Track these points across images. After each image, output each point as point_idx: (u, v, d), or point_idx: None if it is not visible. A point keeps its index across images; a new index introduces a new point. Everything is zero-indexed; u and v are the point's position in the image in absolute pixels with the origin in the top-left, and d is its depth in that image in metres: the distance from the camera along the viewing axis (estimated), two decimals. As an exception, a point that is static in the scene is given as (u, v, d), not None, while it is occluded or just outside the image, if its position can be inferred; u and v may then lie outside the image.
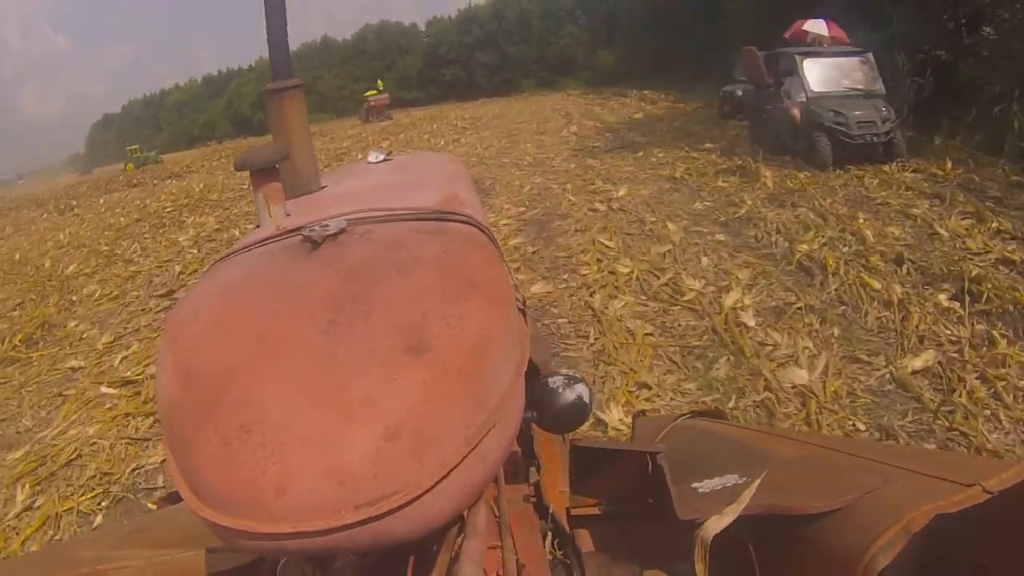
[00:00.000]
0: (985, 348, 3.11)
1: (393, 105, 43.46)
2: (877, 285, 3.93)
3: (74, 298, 6.40)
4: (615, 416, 2.79)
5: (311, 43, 66.89)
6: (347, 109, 57.55)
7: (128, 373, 4.22)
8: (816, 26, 8.89)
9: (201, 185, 14.06)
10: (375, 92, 32.80)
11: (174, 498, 1.27)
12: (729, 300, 3.95)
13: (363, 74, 60.37)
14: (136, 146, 37.45)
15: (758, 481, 0.77)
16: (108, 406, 3.82)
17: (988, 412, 2.63)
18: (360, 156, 11.66)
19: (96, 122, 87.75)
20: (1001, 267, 4.06)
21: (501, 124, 19.50)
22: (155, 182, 18.72)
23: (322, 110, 60.24)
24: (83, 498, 2.92)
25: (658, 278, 4.55)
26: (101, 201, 15.65)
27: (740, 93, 12.23)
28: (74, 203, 16.58)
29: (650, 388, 3.09)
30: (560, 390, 0.92)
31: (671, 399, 2.98)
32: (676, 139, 11.26)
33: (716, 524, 0.73)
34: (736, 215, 5.93)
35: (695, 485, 0.90)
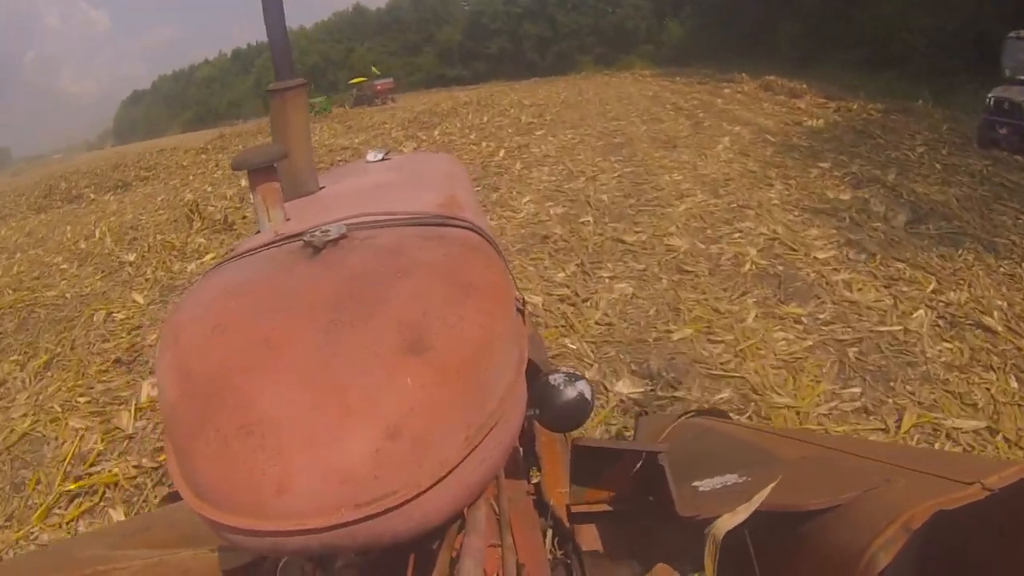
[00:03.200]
0: None
1: (433, 83, 41.04)
2: None
3: None
4: None
5: (343, 12, 61.18)
6: (381, 87, 52.10)
7: None
8: None
9: (95, 234, 8.37)
10: (362, 79, 32.37)
11: (174, 497, 1.24)
12: None
13: (398, 47, 54.64)
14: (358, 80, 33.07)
15: (775, 483, 0.72)
16: None
17: None
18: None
19: (125, 99, 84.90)
20: None
21: (584, 118, 13.28)
22: (92, 196, 13.31)
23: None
24: None
25: None
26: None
27: None
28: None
29: None
30: (561, 387, 0.89)
31: None
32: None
33: (728, 522, 0.69)
34: None
35: (695, 483, 0.89)
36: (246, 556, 0.85)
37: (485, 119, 14.81)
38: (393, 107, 26.25)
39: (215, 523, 0.55)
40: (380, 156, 1.34)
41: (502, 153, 9.50)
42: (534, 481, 1.04)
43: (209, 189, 10.55)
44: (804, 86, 14.64)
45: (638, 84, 23.18)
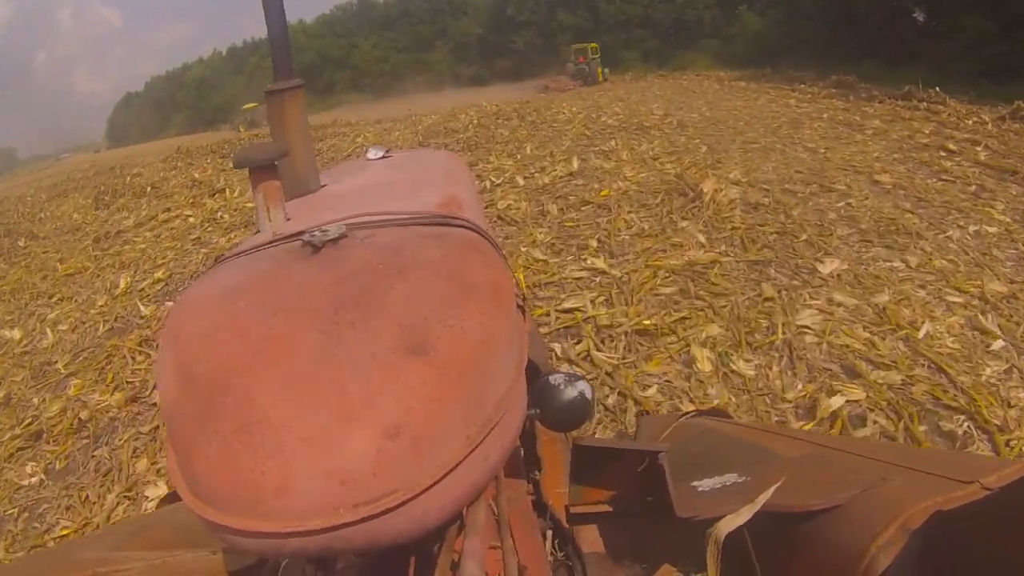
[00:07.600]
0: None
1: (444, 84, 35.62)
2: None
3: None
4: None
5: (346, 5, 54.01)
6: (387, 87, 44.89)
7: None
8: None
9: None
10: (255, 104, 32.77)
11: (174, 498, 1.22)
12: None
13: (407, 43, 47.32)
14: (585, 46, 28.38)
15: (778, 484, 0.71)
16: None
17: None
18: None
19: (118, 101, 78.56)
20: None
21: (796, 175, 5.80)
22: None
23: (357, 88, 47.69)
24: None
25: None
26: None
27: None
28: None
29: None
30: (561, 387, 0.89)
31: None
32: None
33: (731, 523, 0.67)
34: None
35: (694, 483, 0.88)
36: (248, 558, 0.84)
37: (575, 165, 7.33)
38: (382, 126, 18.61)
39: (214, 524, 0.54)
40: (381, 154, 1.32)
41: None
42: (533, 481, 1.03)
43: None
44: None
45: (735, 92, 15.67)
